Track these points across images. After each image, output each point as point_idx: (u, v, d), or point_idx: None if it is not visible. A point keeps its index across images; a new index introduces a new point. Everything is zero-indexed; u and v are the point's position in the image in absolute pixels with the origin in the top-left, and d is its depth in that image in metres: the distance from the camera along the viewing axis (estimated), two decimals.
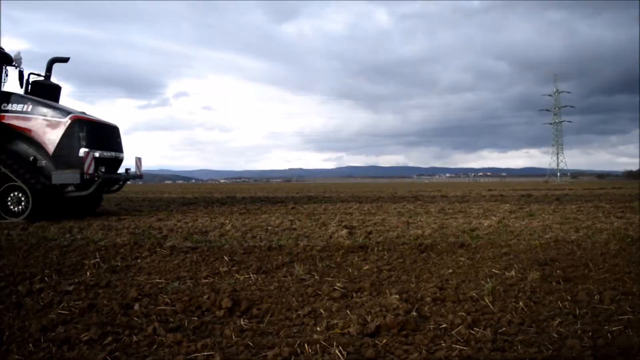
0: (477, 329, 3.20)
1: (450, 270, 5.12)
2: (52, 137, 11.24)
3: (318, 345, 2.91)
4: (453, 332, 3.16)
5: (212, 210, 14.34)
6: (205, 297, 4.05)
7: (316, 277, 4.91)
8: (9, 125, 11.36)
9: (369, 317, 3.44)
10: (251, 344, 3.00)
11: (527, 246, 6.53)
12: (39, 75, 12.57)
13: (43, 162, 11.34)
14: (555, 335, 3.08)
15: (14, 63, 12.18)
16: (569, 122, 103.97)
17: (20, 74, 12.39)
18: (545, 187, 41.56)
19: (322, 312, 3.69)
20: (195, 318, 3.60)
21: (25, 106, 11.39)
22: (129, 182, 12.99)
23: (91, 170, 10.99)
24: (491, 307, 3.72)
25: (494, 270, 5.03)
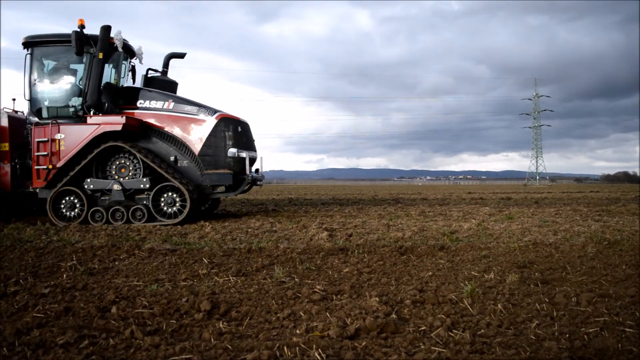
0: (456, 331, 3.21)
1: (430, 273, 5.14)
2: (197, 137, 10.91)
3: (297, 348, 2.90)
4: (432, 335, 3.16)
5: None
6: (184, 299, 4.01)
7: (296, 279, 4.90)
8: (146, 123, 10.99)
9: (349, 319, 3.44)
10: (230, 347, 2.98)
11: (506, 249, 6.59)
12: (156, 70, 12.28)
13: (185, 162, 10.99)
14: (533, 337, 3.10)
15: (136, 57, 11.90)
16: (548, 126, 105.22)
17: (133, 68, 12.14)
18: (525, 190, 42.01)
19: (302, 314, 3.68)
20: (174, 321, 3.56)
21: (166, 103, 11.05)
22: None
23: (248, 171, 10.94)
24: (470, 309, 3.74)
25: (473, 272, 5.06)
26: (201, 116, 10.96)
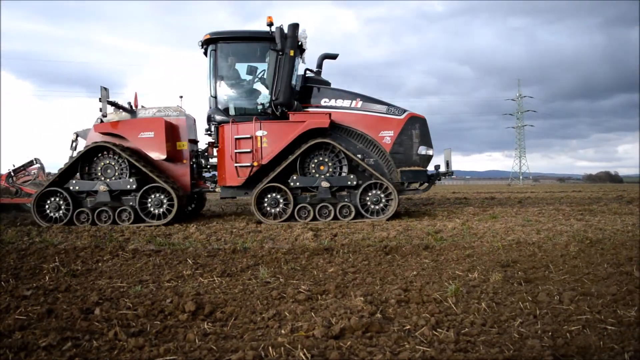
0: (441, 330, 3.23)
1: (415, 272, 5.16)
2: (388, 135, 11.08)
3: (282, 348, 2.90)
4: (417, 334, 3.18)
5: None
6: (168, 300, 3.99)
7: (281, 279, 4.89)
8: (333, 121, 11.04)
9: (334, 319, 3.44)
10: (215, 347, 2.97)
11: (489, 248, 6.63)
12: (311, 71, 12.23)
13: (371, 161, 11.08)
14: (516, 336, 3.13)
15: (303, 55, 11.81)
16: (532, 126, 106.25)
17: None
18: (508, 190, 42.28)
19: (287, 314, 3.67)
20: (158, 322, 3.54)
21: (354, 102, 11.17)
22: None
23: (444, 169, 11.38)
24: (454, 308, 3.76)
25: (457, 272, 5.09)
26: (391, 115, 11.21)
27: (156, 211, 10.56)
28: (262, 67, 11.60)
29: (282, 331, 3.28)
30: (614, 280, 4.52)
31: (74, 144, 11.38)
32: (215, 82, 11.23)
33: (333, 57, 12.67)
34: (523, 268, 5.24)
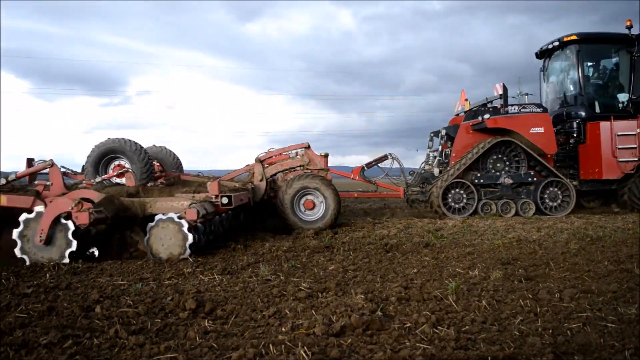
0: (441, 328, 3.23)
1: (415, 270, 5.16)
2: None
3: (283, 346, 2.90)
4: (417, 331, 3.18)
5: None
6: (169, 298, 3.99)
7: (281, 277, 4.89)
8: None
9: (334, 317, 3.44)
10: (215, 345, 2.97)
11: (490, 246, 6.64)
12: None
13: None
14: (517, 333, 3.13)
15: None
16: None
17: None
18: None
19: (287, 312, 3.67)
20: (159, 320, 3.55)
21: None
22: None
23: None
24: (455, 306, 3.76)
25: (457, 269, 5.09)
26: None
27: (552, 204, 10.95)
28: (608, 65, 12.20)
29: (283, 329, 3.28)
30: (615, 278, 4.52)
31: (430, 143, 12.74)
32: (581, 81, 11.72)
33: None
34: (523, 266, 5.24)
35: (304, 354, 2.77)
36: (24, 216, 5.75)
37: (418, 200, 11.92)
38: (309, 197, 9.00)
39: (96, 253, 6.16)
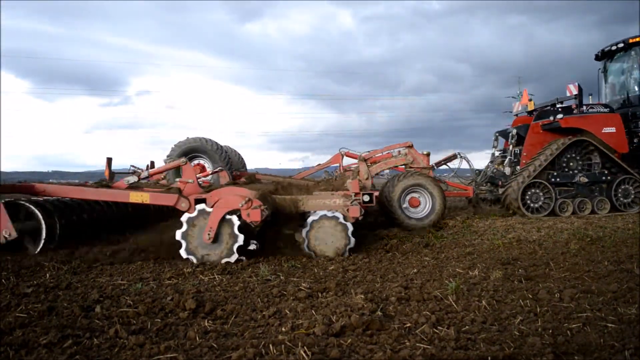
0: (441, 328, 3.23)
1: (415, 270, 5.16)
2: None
3: (283, 346, 2.90)
4: (417, 331, 3.18)
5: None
6: (169, 298, 3.99)
7: (281, 277, 4.89)
8: None
9: (334, 317, 3.44)
10: (215, 345, 2.97)
11: (490, 246, 6.63)
12: None
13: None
14: (517, 333, 3.13)
15: None
16: None
17: None
18: None
19: (287, 312, 3.67)
20: (159, 320, 3.55)
21: None
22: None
23: None
24: (455, 306, 3.76)
25: (457, 269, 5.08)
26: None
27: (625, 201, 11.02)
28: None
29: (283, 329, 3.28)
30: (615, 278, 4.51)
31: (495, 142, 12.80)
32: None
33: None
34: (523, 266, 5.23)
35: (304, 354, 2.77)
36: (186, 216, 5.83)
37: (486, 200, 12.04)
38: (415, 194, 9.12)
39: (255, 248, 6.14)
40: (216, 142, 8.54)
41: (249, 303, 3.95)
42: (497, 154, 12.82)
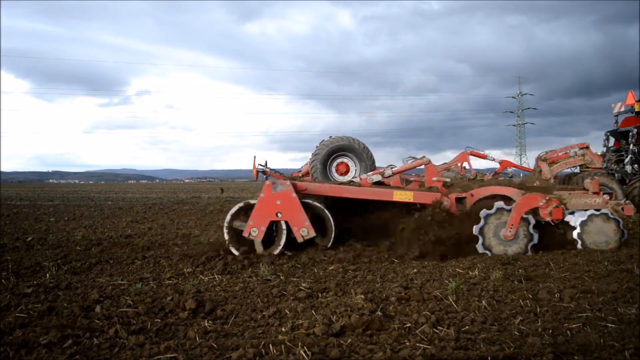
0: (441, 328, 3.23)
1: (415, 270, 5.15)
2: None
3: (283, 346, 2.90)
4: (417, 331, 3.17)
5: (175, 210, 14.15)
6: (169, 298, 3.99)
7: (281, 277, 4.89)
8: None
9: (334, 317, 3.44)
10: (215, 345, 2.97)
11: None
12: None
13: None
14: (517, 333, 3.13)
15: None
16: (532, 124, 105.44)
17: None
18: None
19: (287, 312, 3.67)
20: (159, 320, 3.54)
21: None
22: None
23: None
24: (455, 306, 3.75)
25: (457, 269, 5.08)
26: None
27: None
28: None
29: (283, 329, 3.28)
30: (614, 278, 4.51)
31: (606, 142, 13.31)
32: None
33: None
34: (523, 266, 5.22)
35: (304, 354, 2.77)
36: (484, 212, 5.99)
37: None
38: None
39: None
40: (361, 142, 8.55)
41: (249, 303, 3.95)
42: (607, 154, 13.14)
